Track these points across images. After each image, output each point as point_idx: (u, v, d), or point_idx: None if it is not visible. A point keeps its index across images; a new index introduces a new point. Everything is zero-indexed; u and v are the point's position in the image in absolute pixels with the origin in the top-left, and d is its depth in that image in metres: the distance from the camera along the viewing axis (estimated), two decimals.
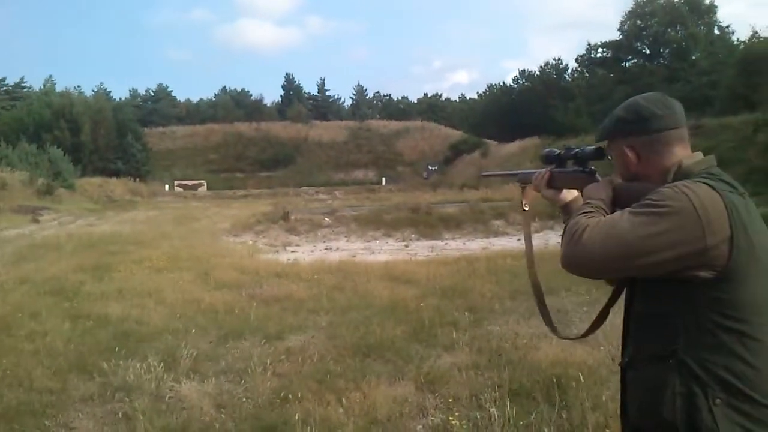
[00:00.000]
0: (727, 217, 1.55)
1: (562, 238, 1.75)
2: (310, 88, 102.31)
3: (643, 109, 1.78)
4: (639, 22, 55.33)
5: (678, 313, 1.61)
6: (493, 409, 4.42)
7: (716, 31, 57.14)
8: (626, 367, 1.82)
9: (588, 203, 1.83)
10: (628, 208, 1.64)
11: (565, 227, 1.77)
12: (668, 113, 1.77)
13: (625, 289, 1.90)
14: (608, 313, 2.03)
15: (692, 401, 1.57)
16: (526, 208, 2.37)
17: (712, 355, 1.58)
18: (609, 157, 1.92)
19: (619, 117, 1.84)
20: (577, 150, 2.08)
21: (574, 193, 2.09)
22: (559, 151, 2.17)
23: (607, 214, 1.76)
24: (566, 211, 2.09)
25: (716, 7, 56.72)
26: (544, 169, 2.20)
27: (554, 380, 4.93)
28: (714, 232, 1.53)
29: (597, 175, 2.01)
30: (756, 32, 42.16)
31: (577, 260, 1.65)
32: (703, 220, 1.53)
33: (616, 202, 1.85)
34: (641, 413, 1.72)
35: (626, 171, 1.85)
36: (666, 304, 1.64)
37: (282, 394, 5.02)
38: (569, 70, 67.09)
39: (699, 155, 1.78)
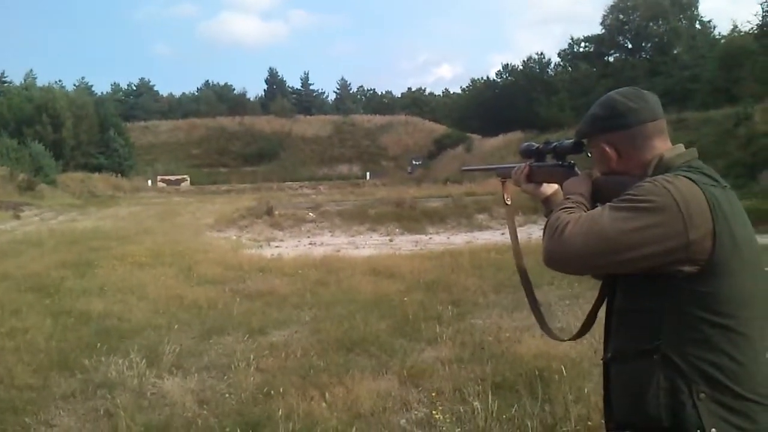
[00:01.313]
0: (709, 210, 1.54)
1: (543, 234, 1.73)
2: (293, 82, 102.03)
3: (619, 104, 1.77)
4: (621, 16, 55.63)
5: (661, 308, 1.60)
6: (476, 403, 4.43)
7: (698, 26, 57.62)
8: (609, 361, 1.80)
9: (568, 198, 1.82)
10: (609, 203, 1.62)
11: (546, 222, 1.74)
12: (644, 106, 1.76)
13: (608, 285, 1.87)
14: (597, 314, 2.00)
15: (676, 396, 1.56)
16: (509, 202, 2.36)
17: (697, 350, 1.56)
18: (589, 155, 1.90)
19: (595, 115, 1.83)
20: (555, 144, 2.07)
21: (555, 186, 2.09)
22: (537, 146, 2.16)
23: (588, 209, 1.75)
24: (547, 204, 2.09)
25: (698, 1, 57.21)
26: (523, 164, 2.20)
27: (537, 373, 4.95)
28: (696, 226, 1.52)
29: (576, 169, 2.01)
30: (736, 26, 42.62)
31: (559, 256, 1.63)
32: (685, 214, 1.52)
33: (596, 196, 1.85)
34: (626, 408, 1.71)
35: (607, 168, 1.83)
36: (649, 300, 1.62)
37: (265, 390, 5.01)
38: (552, 65, 67.34)
39: (680, 148, 1.76)
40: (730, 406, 1.55)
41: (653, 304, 1.62)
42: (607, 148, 1.80)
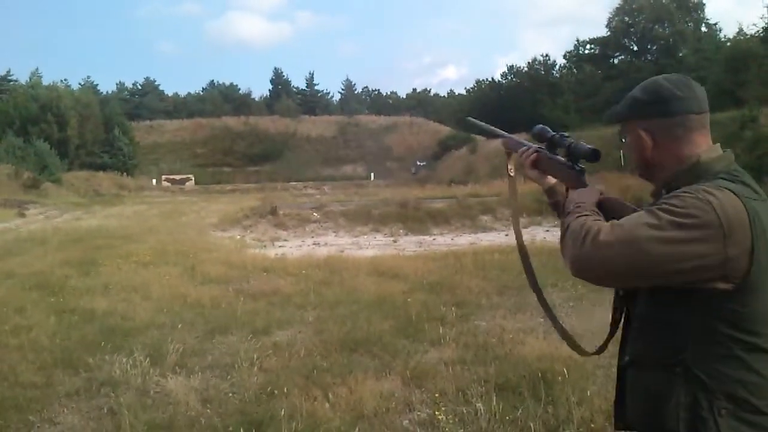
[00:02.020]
0: (749, 227, 1.47)
1: (561, 238, 1.64)
2: (298, 82, 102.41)
3: (664, 89, 1.66)
4: (627, 18, 55.53)
5: (688, 322, 1.55)
6: (479, 404, 4.43)
7: (703, 28, 57.49)
8: (626, 366, 1.75)
9: (579, 206, 1.73)
10: (644, 213, 1.55)
11: (566, 228, 1.65)
12: (691, 96, 1.66)
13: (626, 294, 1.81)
14: (619, 325, 1.89)
15: (697, 412, 1.52)
16: (512, 174, 2.25)
17: (722, 365, 1.52)
18: (623, 140, 1.80)
19: (636, 98, 1.72)
20: (572, 142, 1.96)
21: None
22: (552, 134, 2.05)
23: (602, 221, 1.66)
24: (551, 195, 2.03)
25: (704, 4, 57.13)
26: (532, 146, 2.10)
27: (540, 375, 4.94)
28: (735, 243, 1.46)
29: (585, 177, 1.92)
30: (742, 29, 42.48)
31: (590, 265, 1.54)
32: (726, 230, 1.45)
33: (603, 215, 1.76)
34: (642, 418, 1.67)
35: (640, 157, 1.73)
36: (677, 312, 1.57)
37: (268, 389, 5.01)
38: (557, 66, 67.22)
39: (717, 149, 1.68)
40: (753, 423, 1.52)
41: (680, 317, 1.57)
42: (644, 135, 1.70)
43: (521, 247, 2.22)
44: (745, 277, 1.48)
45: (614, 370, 1.86)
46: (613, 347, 1.92)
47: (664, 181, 1.70)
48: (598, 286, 1.71)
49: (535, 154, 2.07)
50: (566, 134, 2.03)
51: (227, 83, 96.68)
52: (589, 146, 1.90)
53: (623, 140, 1.80)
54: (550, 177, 2.05)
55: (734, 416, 1.51)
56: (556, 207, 2.02)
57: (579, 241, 1.55)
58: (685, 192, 1.53)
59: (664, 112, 1.66)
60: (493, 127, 2.56)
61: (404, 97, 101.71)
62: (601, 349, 2.02)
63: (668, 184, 1.67)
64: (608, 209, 1.78)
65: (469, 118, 3.03)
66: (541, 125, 2.13)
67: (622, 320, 1.85)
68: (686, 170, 1.65)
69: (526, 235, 2.08)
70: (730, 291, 1.49)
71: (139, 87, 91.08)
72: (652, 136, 1.69)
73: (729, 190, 1.52)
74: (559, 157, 2.02)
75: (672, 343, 1.58)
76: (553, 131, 2.07)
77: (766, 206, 1.56)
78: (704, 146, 1.67)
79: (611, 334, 1.95)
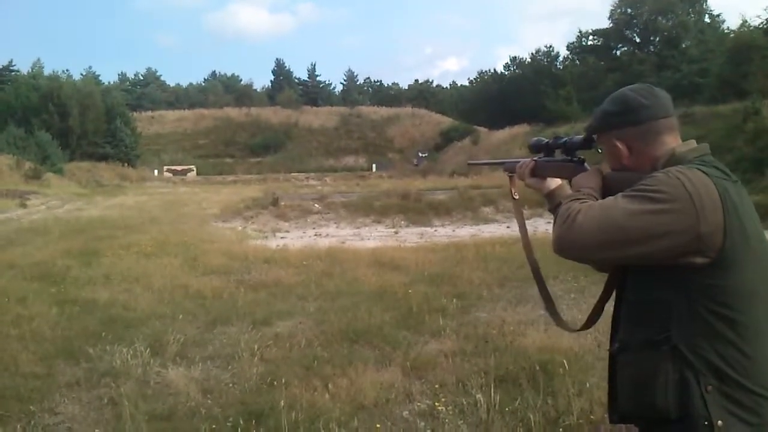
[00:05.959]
0: (720, 203, 1.54)
1: (553, 224, 1.73)
2: (300, 73, 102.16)
3: (631, 99, 1.77)
4: (629, 10, 55.31)
5: (671, 299, 1.60)
6: (479, 395, 4.44)
7: (706, 20, 57.27)
8: (617, 352, 1.80)
9: (579, 191, 1.82)
10: (621, 193, 1.63)
11: (556, 214, 1.75)
12: (655, 102, 1.75)
13: (617, 276, 1.87)
14: (603, 308, 1.98)
15: (685, 388, 1.57)
16: (516, 197, 2.34)
17: (705, 341, 1.57)
18: (599, 151, 1.91)
19: (607, 110, 1.82)
20: (565, 139, 2.06)
21: (558, 181, 2.08)
22: (546, 140, 2.15)
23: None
24: (551, 198, 2.07)
25: None
26: (528, 159, 2.19)
27: (540, 367, 4.94)
28: (707, 218, 1.52)
29: (586, 164, 1.99)
30: (746, 21, 42.22)
31: (570, 243, 1.64)
32: (697, 206, 1.52)
33: (606, 191, 1.83)
34: (632, 399, 1.71)
35: (618, 164, 1.83)
36: (659, 291, 1.63)
37: (269, 380, 5.03)
38: (560, 58, 67.01)
39: (692, 143, 1.76)
40: (738, 400, 1.56)
41: (663, 296, 1.62)
42: (618, 144, 1.79)
43: (534, 265, 2.26)
44: (719, 252, 1.54)
45: None
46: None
47: None
48: (581, 263, 1.83)
49: (532, 163, 2.16)
50: (560, 135, 2.12)
51: (229, 74, 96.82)
52: (581, 136, 1.99)
53: (599, 151, 1.91)
54: (549, 182, 2.10)
55: (720, 392, 1.56)
56: (556, 210, 2.05)
57: (561, 221, 1.67)
58: (657, 173, 1.62)
59: (633, 120, 1.76)
60: (491, 160, 2.80)
61: (406, 88, 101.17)
62: (586, 325, 2.08)
63: None
64: (614, 182, 1.84)
65: (470, 161, 3.46)
66: (535, 138, 2.24)
67: (614, 308, 1.88)
68: (663, 164, 1.71)
69: (528, 226, 2.09)
70: (707, 266, 1.55)
71: (141, 77, 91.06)
72: (626, 144, 1.79)
73: (699, 170, 1.60)
74: (556, 158, 2.11)
75: (657, 321, 1.63)
76: (546, 138, 2.17)
77: (737, 187, 1.63)
78: (676, 144, 1.76)
79: (596, 310, 2.01)
